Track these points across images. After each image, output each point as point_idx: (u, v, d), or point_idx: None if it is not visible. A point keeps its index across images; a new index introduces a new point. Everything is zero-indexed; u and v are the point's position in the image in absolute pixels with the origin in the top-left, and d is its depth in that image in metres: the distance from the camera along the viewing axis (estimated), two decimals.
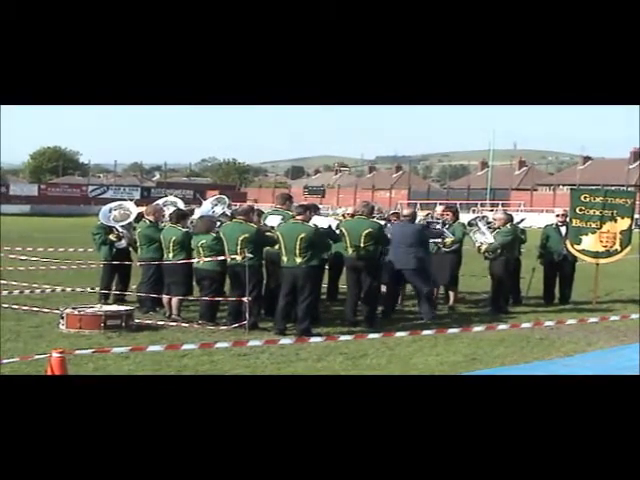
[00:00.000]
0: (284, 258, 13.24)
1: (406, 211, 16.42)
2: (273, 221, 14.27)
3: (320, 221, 14.73)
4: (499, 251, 16.03)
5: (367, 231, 13.92)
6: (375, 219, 14.75)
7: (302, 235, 13.06)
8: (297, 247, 13.03)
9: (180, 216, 14.85)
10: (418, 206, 62.44)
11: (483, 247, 16.23)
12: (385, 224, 15.43)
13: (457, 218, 16.91)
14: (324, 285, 15.83)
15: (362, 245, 13.91)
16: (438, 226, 16.11)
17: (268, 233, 13.71)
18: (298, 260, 13.08)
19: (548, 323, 12.53)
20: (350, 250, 14.07)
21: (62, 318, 13.08)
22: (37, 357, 8.92)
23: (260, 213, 15.04)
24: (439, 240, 15.92)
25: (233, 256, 13.43)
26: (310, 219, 13.61)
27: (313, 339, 11.44)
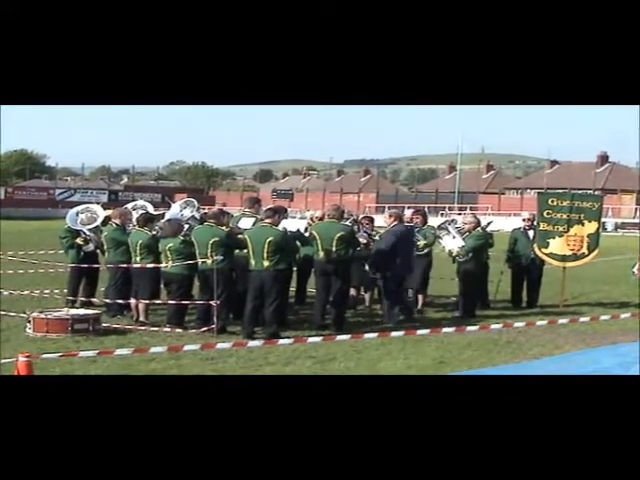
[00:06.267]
0: (252, 261, 13.18)
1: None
2: (246, 223, 14.22)
3: (289, 224, 14.69)
4: (470, 255, 16.08)
5: (339, 234, 13.88)
6: (347, 222, 14.74)
7: (270, 239, 13.01)
8: (265, 250, 12.98)
9: (147, 219, 14.75)
10: (386, 210, 62.52)
11: (455, 251, 16.25)
12: (358, 228, 15.46)
13: (426, 221, 16.93)
14: (292, 289, 15.80)
15: (334, 248, 13.88)
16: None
17: (240, 236, 13.63)
18: (266, 263, 13.03)
19: (518, 324, 12.53)
20: (322, 253, 14.01)
21: (29, 322, 12.98)
22: (3, 361, 8.82)
23: (230, 216, 15.02)
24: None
25: (203, 259, 13.38)
26: (279, 222, 13.58)
27: (281, 342, 11.41)
